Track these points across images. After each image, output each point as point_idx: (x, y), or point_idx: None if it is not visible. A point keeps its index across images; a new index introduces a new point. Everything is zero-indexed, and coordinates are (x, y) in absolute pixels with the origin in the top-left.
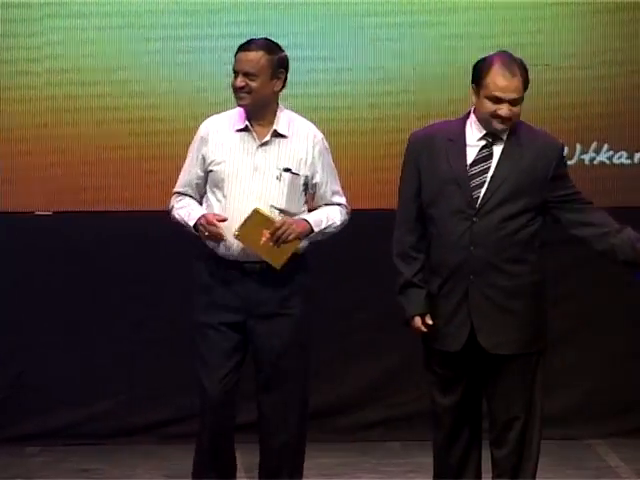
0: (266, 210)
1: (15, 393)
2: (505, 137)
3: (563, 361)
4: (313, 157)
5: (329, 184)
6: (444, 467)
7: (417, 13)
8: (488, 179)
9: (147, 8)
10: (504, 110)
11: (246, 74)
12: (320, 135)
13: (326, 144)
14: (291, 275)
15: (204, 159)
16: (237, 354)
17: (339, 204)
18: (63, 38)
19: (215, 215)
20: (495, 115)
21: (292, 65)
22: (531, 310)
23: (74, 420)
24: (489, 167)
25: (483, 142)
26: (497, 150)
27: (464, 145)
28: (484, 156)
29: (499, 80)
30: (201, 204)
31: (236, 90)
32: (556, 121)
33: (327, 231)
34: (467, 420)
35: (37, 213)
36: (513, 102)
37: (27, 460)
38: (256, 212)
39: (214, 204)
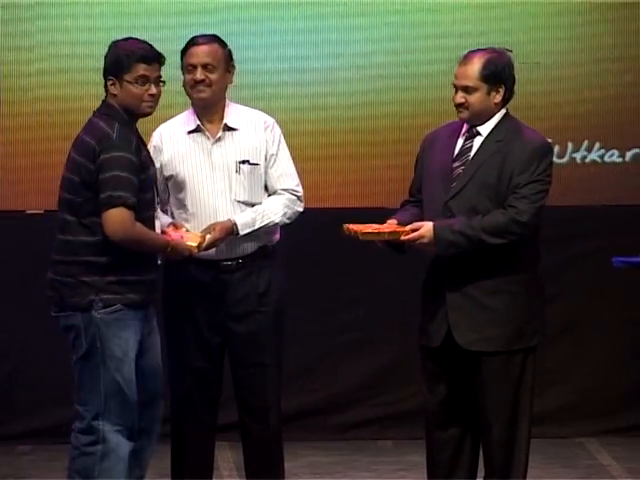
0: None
1: (6, 392)
2: (486, 132)
3: (555, 359)
4: (267, 143)
5: (279, 166)
6: (435, 465)
7: (409, 12)
8: (460, 173)
9: (142, 9)
10: (457, 97)
11: (205, 66)
12: (271, 120)
13: (278, 128)
14: (265, 271)
15: (161, 167)
16: (218, 354)
17: (285, 189)
18: (55, 39)
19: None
20: (454, 104)
21: (286, 64)
22: (513, 308)
23: (65, 419)
24: (466, 161)
25: (465, 136)
26: (478, 145)
27: (456, 141)
28: (464, 149)
29: (456, 68)
30: (163, 210)
31: (194, 84)
32: (547, 119)
33: (264, 229)
34: (457, 418)
35: (29, 212)
36: (464, 89)
37: (18, 459)
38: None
39: (179, 208)
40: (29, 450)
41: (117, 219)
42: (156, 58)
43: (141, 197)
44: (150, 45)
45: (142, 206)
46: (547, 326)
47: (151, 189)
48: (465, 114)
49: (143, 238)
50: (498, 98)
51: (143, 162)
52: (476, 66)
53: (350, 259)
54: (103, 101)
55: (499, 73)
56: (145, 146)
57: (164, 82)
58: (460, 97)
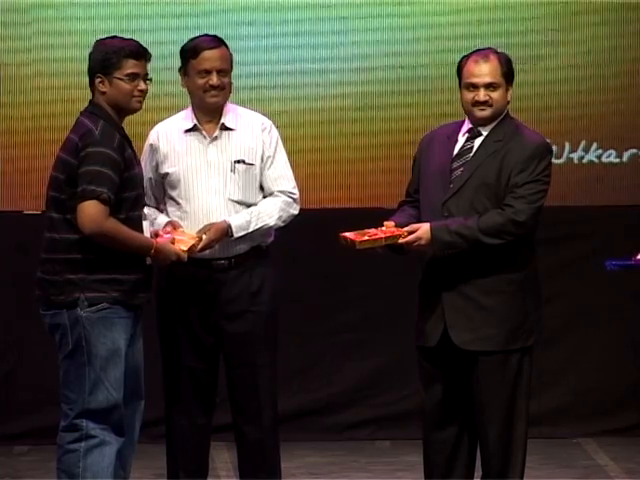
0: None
1: (3, 392)
2: (487, 132)
3: (552, 360)
4: (263, 144)
5: (276, 168)
6: (433, 465)
7: (406, 15)
8: (459, 173)
9: (140, 12)
10: (480, 94)
11: (219, 71)
12: (268, 122)
13: (275, 131)
14: (258, 270)
15: (157, 165)
16: (212, 354)
17: (282, 192)
18: (53, 42)
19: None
20: (474, 103)
21: (281, 67)
22: (509, 307)
23: None
24: (466, 161)
25: (466, 136)
26: (478, 145)
27: (455, 141)
28: (464, 150)
29: (472, 66)
30: (159, 209)
31: (209, 89)
32: (545, 120)
33: (258, 232)
34: (454, 418)
35: (26, 212)
36: (489, 87)
37: (15, 459)
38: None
39: (174, 205)
40: (26, 451)
41: (87, 212)
42: (143, 54)
43: (125, 195)
44: (136, 41)
45: (126, 205)
46: (544, 326)
47: (136, 188)
48: (488, 112)
49: (117, 235)
50: (509, 96)
51: (127, 160)
52: (496, 63)
53: (348, 259)
54: (90, 101)
55: (512, 71)
56: (131, 145)
57: (151, 79)
58: (484, 94)
